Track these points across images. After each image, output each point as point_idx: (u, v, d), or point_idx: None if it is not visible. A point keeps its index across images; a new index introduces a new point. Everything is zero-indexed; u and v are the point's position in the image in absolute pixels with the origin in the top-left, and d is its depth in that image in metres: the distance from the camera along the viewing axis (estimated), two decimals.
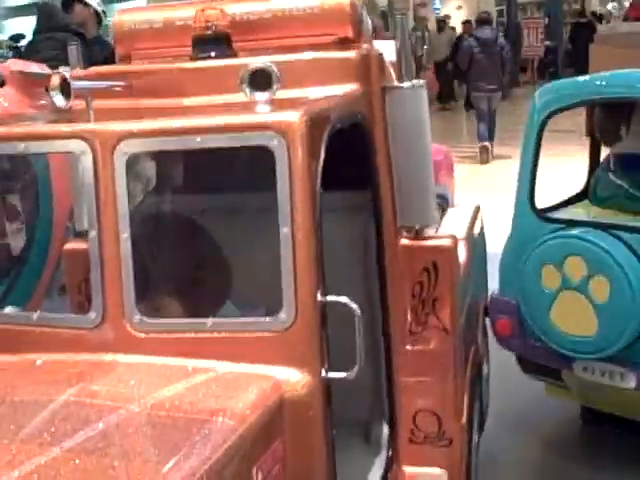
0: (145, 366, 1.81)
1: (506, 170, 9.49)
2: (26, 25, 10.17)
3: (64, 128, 1.90)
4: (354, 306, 1.81)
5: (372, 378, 2.46)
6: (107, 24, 6.66)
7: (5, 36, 15.59)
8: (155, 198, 2.06)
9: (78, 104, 2.17)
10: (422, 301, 2.48)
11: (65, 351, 1.88)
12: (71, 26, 6.13)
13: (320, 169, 1.82)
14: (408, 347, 2.48)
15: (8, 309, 2.07)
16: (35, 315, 1.94)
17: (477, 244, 3.25)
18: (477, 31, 11.16)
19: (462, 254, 2.67)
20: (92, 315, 1.86)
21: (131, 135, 1.82)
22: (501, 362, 3.66)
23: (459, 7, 20.46)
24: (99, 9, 5.87)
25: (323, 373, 1.81)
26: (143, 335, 1.84)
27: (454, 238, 2.51)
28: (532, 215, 3.39)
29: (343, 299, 1.81)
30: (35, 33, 6.37)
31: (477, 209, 3.40)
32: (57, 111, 2.04)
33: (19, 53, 7.55)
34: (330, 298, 1.80)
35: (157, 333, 1.83)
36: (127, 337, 1.84)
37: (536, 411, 3.98)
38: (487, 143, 10.48)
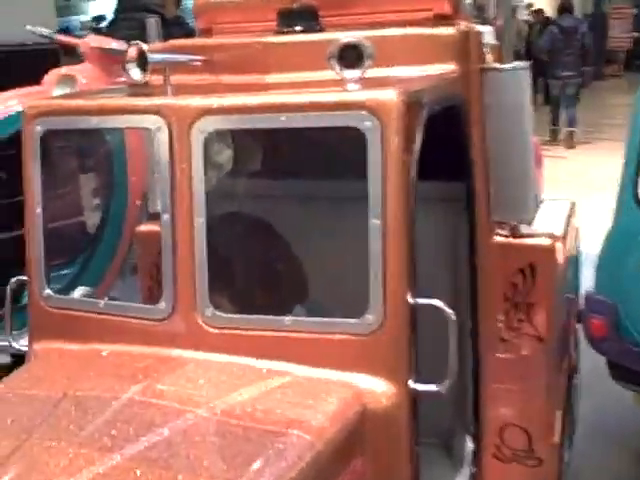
0: (216, 365, 1.65)
1: (590, 164, 9.15)
2: (108, 6, 10.21)
3: (139, 102, 1.75)
4: (448, 310, 1.61)
5: (456, 388, 2.26)
6: (186, 5, 6.60)
7: (88, 17, 15.76)
8: (232, 181, 1.89)
9: (156, 79, 2.04)
10: (515, 305, 2.27)
11: (132, 342, 1.74)
12: (150, 6, 6.06)
13: (417, 155, 1.63)
14: (498, 355, 2.28)
15: (77, 293, 1.94)
16: (102, 302, 1.81)
17: (573, 243, 3.01)
18: (559, 19, 10.76)
19: (560, 255, 2.44)
20: (162, 306, 1.71)
21: (210, 111, 1.66)
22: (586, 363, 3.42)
23: None
24: None
25: (411, 384, 1.62)
26: (215, 330, 1.68)
27: (553, 237, 2.29)
28: (636, 210, 3.11)
29: (436, 302, 1.61)
30: (115, 13, 6.34)
31: (573, 205, 3.15)
32: (134, 86, 1.90)
33: (100, 34, 7.56)
34: (422, 300, 1.61)
35: (230, 329, 1.68)
36: (198, 331, 1.69)
37: (625, 422, 3.73)
38: (571, 129, 10.26)
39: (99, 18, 12.88)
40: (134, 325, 1.74)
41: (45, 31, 4.11)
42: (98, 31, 7.91)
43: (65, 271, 3.48)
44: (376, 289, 1.58)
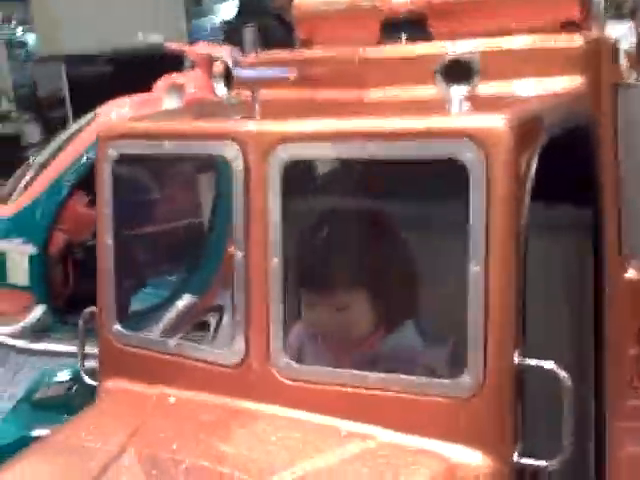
0: (289, 422, 1.47)
1: None
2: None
3: (212, 126, 1.58)
4: (563, 374, 1.36)
5: (577, 442, 1.98)
6: None
7: (218, 18, 16.01)
8: (313, 214, 1.70)
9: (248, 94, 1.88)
10: None
11: (202, 389, 1.58)
12: (271, 10, 5.97)
13: (529, 192, 1.39)
14: (627, 405, 1.98)
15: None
16: (172, 342, 1.66)
17: None
18: None
19: None
20: (233, 352, 1.54)
21: (290, 138, 1.47)
22: None
23: None
24: None
25: (515, 458, 1.38)
26: (290, 382, 1.50)
27: None
28: None
29: (548, 365, 1.36)
30: (236, 17, 6.30)
31: None
32: (227, 103, 1.75)
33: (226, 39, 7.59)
34: (530, 361, 1.36)
35: (306, 382, 1.48)
36: (271, 383, 1.51)
37: None
38: None
39: (229, 22, 13.03)
40: (204, 370, 1.58)
41: (156, 38, 4.06)
42: (226, 35, 7.94)
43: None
44: (475, 347, 1.35)
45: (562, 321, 1.96)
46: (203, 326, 2.40)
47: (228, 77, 1.77)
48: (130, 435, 1.49)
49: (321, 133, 1.46)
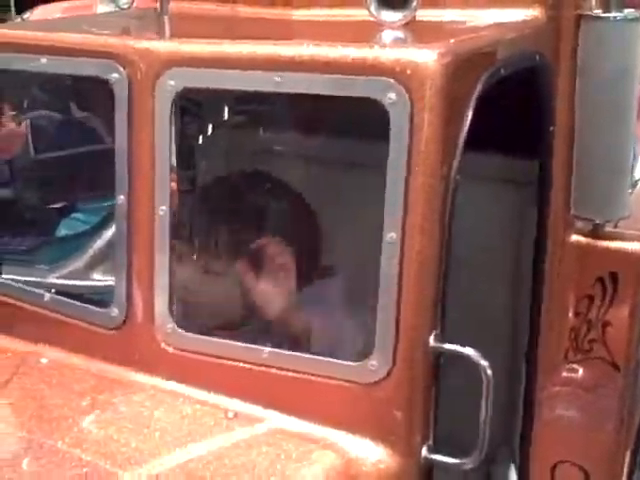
0: (170, 398, 1.27)
1: None
2: None
3: (92, 41, 1.31)
4: (484, 363, 1.17)
5: (504, 410, 1.83)
6: None
7: None
8: (209, 156, 1.46)
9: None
10: (588, 322, 1.82)
11: (77, 351, 1.37)
12: None
13: (462, 144, 1.16)
14: (558, 380, 1.83)
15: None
16: (47, 295, 1.43)
17: None
18: None
19: None
20: (112, 312, 1.33)
21: (181, 61, 1.22)
22: None
23: None
24: None
25: (424, 453, 1.20)
26: (176, 351, 1.29)
27: None
28: None
29: (469, 351, 1.17)
30: None
31: None
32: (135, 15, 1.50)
33: None
34: (448, 346, 1.17)
35: (194, 353, 1.28)
36: (153, 350, 1.30)
37: None
38: None
39: None
40: (81, 329, 1.37)
41: None
42: None
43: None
44: (386, 326, 1.15)
45: (498, 286, 1.78)
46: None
47: None
48: None
49: (220, 57, 1.21)
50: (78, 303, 1.40)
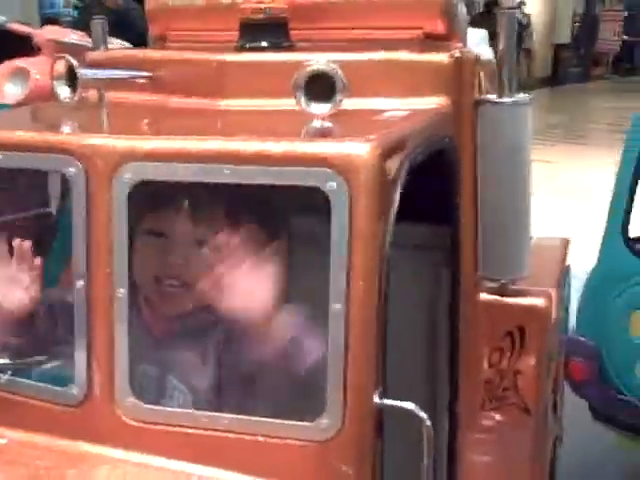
0: (134, 468, 1.35)
1: (572, 171, 8.90)
2: None
3: (49, 137, 1.41)
4: (423, 416, 1.31)
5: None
6: None
7: None
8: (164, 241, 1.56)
9: (93, 95, 1.72)
10: (500, 372, 1.99)
11: (38, 430, 1.43)
12: None
13: (392, 222, 1.32)
14: (479, 424, 1.99)
15: None
16: (4, 377, 1.49)
17: (566, 291, 2.73)
18: None
19: (553, 314, 2.15)
20: (73, 389, 1.40)
21: (137, 156, 1.34)
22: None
23: None
24: None
25: None
26: (136, 424, 1.37)
27: (548, 296, 2.00)
28: (624, 249, 2.97)
29: (409, 405, 1.31)
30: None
31: (566, 243, 2.86)
32: (70, 104, 1.59)
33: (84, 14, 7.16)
34: (390, 402, 1.31)
35: (154, 424, 1.37)
36: (115, 424, 1.38)
37: (606, 459, 3.49)
38: None
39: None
40: (41, 409, 1.43)
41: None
42: (82, 10, 7.45)
43: None
44: (335, 387, 1.28)
45: (419, 343, 1.94)
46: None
47: (72, 78, 1.62)
48: None
49: (174, 152, 1.33)
50: (37, 383, 1.46)
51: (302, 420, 1.31)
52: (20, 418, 1.46)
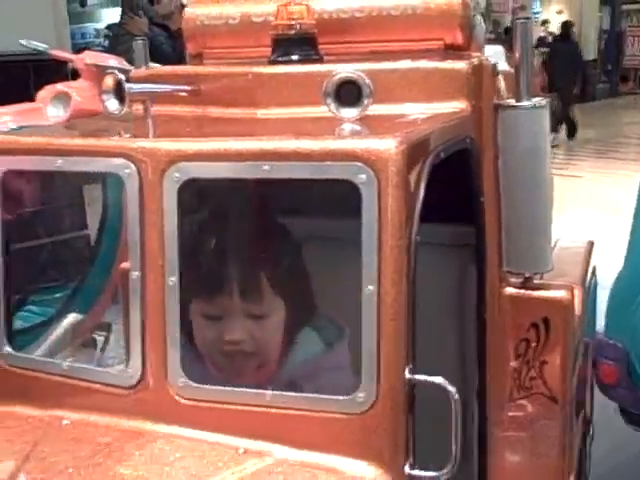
0: (187, 442, 1.47)
1: (603, 185, 8.94)
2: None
3: (105, 143, 1.57)
4: (452, 389, 1.42)
5: (462, 451, 2.06)
6: None
7: (102, 24, 15.63)
8: (210, 232, 1.70)
9: (138, 109, 1.87)
10: (527, 362, 2.08)
11: (97, 411, 1.56)
12: (155, 19, 5.91)
13: (419, 212, 1.44)
14: (506, 416, 2.08)
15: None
16: (65, 364, 1.63)
17: (591, 290, 2.81)
18: None
19: (576, 307, 2.24)
20: (129, 372, 1.53)
21: (186, 157, 1.47)
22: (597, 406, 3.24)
23: (560, 11, 19.55)
24: (185, 0, 5.63)
25: (407, 470, 1.43)
26: (188, 402, 1.50)
27: (570, 289, 2.09)
28: None
29: (438, 379, 1.42)
30: (118, 25, 6.19)
31: (591, 245, 2.96)
32: (116, 117, 1.73)
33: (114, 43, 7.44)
34: (420, 377, 1.42)
35: (205, 402, 1.49)
36: (168, 403, 1.50)
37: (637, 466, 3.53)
38: None
39: (113, 26, 12.70)
40: (100, 391, 1.56)
41: (40, 45, 3.93)
42: (111, 39, 7.76)
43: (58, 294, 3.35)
44: (369, 364, 1.40)
45: (448, 336, 2.04)
46: (90, 344, 2.35)
47: (120, 92, 1.76)
48: (22, 461, 1.45)
49: (218, 153, 1.47)
50: (95, 367, 1.60)
51: (341, 394, 1.42)
52: (81, 401, 1.59)
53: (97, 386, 1.57)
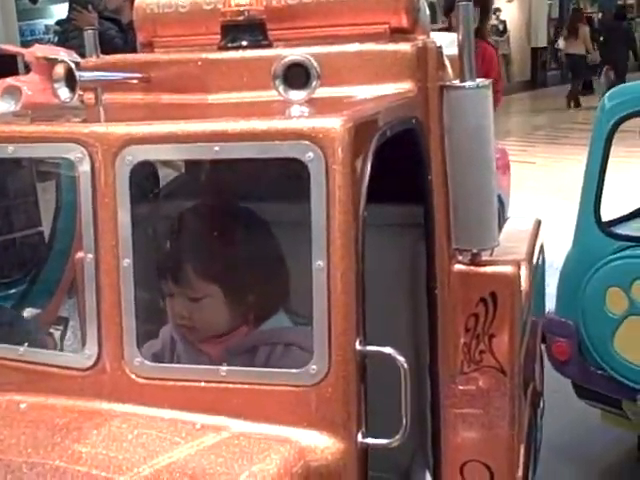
0: (144, 419, 1.50)
1: (555, 170, 9.13)
2: None
3: (58, 129, 1.59)
4: (400, 359, 1.48)
5: (415, 422, 2.13)
6: None
7: (52, 21, 15.40)
8: (164, 212, 1.74)
9: (90, 98, 1.88)
10: (477, 337, 2.15)
11: (55, 394, 1.58)
12: (104, 13, 5.87)
13: (365, 189, 1.49)
14: (458, 388, 2.15)
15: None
16: (22, 349, 1.64)
17: (539, 266, 2.89)
18: None
19: (523, 281, 2.31)
20: (85, 354, 1.55)
21: (137, 140, 1.50)
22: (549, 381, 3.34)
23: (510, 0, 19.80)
24: None
25: (360, 438, 1.48)
26: (144, 381, 1.53)
27: (517, 264, 2.16)
28: (596, 230, 3.11)
29: (387, 350, 1.48)
30: (67, 21, 6.13)
31: (538, 223, 3.04)
32: (68, 106, 1.75)
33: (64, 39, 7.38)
34: (371, 348, 1.47)
35: (161, 380, 1.52)
36: (125, 382, 1.53)
37: (589, 438, 3.64)
38: None
39: (63, 22, 12.51)
40: (57, 374, 1.58)
41: None
42: (62, 35, 7.70)
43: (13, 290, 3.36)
44: (321, 337, 1.44)
45: (401, 313, 2.10)
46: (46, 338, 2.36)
47: (71, 80, 1.77)
48: None
49: (169, 135, 1.50)
50: (52, 351, 1.62)
51: (290, 367, 1.47)
52: (38, 385, 1.61)
53: (54, 370, 1.59)
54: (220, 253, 1.70)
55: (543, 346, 3.20)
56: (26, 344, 1.64)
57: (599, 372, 3.02)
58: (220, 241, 1.68)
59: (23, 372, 1.62)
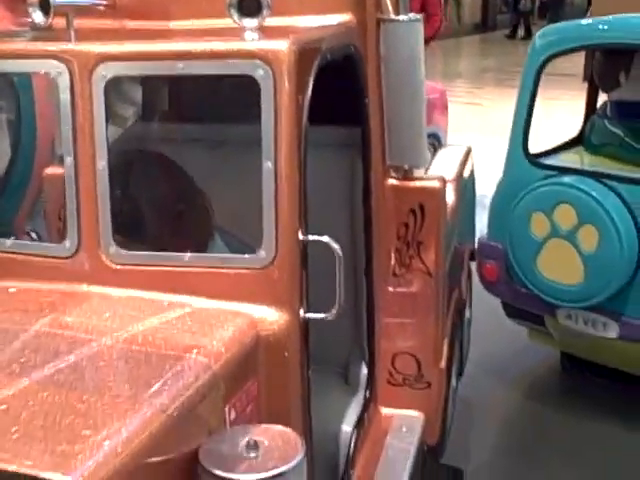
0: (119, 298, 1.76)
1: (501, 111, 9.44)
2: None
3: (39, 47, 1.81)
4: (335, 246, 1.76)
5: (352, 319, 2.43)
6: None
7: None
8: (136, 126, 1.98)
9: (59, 22, 2.08)
10: (407, 243, 2.45)
11: (39, 279, 1.83)
12: None
13: (308, 102, 1.75)
14: (390, 289, 2.46)
15: None
16: (9, 242, 1.88)
17: (467, 187, 3.19)
18: None
19: (450, 197, 2.61)
20: (67, 244, 1.80)
21: (111, 57, 1.73)
22: (483, 307, 3.65)
23: None
24: None
25: (301, 313, 1.77)
26: (119, 267, 1.79)
27: (442, 180, 2.46)
28: (524, 160, 3.35)
29: (325, 238, 1.76)
30: None
31: (468, 151, 3.33)
32: (38, 29, 1.95)
33: None
34: (311, 237, 1.75)
35: (133, 265, 1.78)
36: (102, 268, 1.79)
37: (517, 357, 3.99)
38: None
39: None
40: (40, 263, 1.83)
41: None
42: None
43: None
44: (269, 227, 1.71)
45: (341, 224, 2.38)
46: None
47: (45, 4, 1.97)
48: None
49: (139, 53, 1.74)
50: (36, 242, 1.86)
51: (245, 253, 1.74)
52: (24, 272, 1.85)
53: (38, 259, 1.84)
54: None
55: (474, 266, 3.50)
56: (12, 237, 1.87)
57: (524, 290, 3.28)
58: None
59: (10, 262, 1.86)
